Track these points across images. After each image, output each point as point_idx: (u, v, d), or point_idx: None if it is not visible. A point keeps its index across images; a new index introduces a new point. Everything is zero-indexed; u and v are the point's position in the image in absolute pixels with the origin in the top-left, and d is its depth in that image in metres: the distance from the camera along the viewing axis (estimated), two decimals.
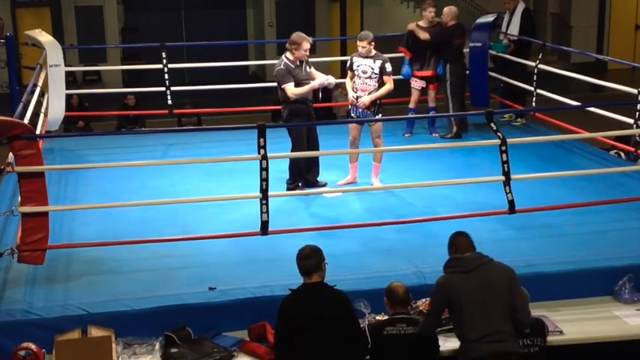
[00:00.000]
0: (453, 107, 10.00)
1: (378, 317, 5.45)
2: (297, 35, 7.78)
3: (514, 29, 10.81)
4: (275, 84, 8.01)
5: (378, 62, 7.83)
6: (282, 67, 7.71)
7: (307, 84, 7.79)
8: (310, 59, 8.05)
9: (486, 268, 4.96)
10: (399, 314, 5.11)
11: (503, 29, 11.04)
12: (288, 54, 7.79)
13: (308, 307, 4.86)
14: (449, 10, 10.07)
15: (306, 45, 7.73)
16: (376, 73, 7.81)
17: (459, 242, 5.12)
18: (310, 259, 4.94)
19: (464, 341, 4.90)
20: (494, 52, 10.97)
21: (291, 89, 7.67)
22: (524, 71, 10.57)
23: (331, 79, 7.86)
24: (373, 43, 7.86)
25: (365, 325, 5.20)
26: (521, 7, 10.97)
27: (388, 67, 7.83)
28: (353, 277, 5.88)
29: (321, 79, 7.83)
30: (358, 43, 7.86)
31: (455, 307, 4.88)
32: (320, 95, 8.22)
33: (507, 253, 5.47)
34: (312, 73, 7.90)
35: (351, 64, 7.96)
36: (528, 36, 10.83)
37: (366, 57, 7.86)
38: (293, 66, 7.74)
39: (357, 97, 7.88)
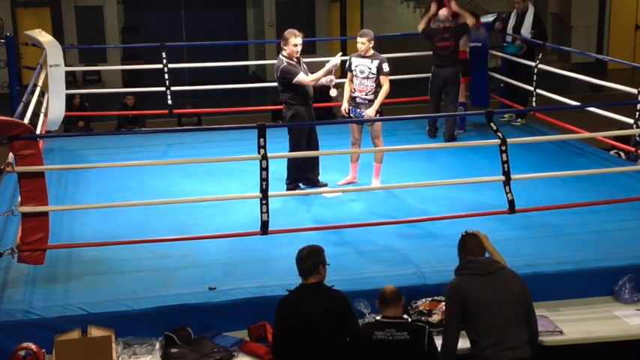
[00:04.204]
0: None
1: (377, 317, 5.45)
2: (287, 32, 7.79)
3: (525, 31, 10.76)
4: (275, 84, 8.01)
5: (376, 62, 7.83)
6: (284, 64, 7.71)
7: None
8: (310, 59, 8.06)
9: (503, 273, 4.91)
10: (390, 318, 5.03)
11: (509, 30, 10.99)
12: (283, 52, 7.79)
13: (303, 308, 4.86)
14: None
15: (294, 40, 7.70)
16: (373, 73, 7.81)
17: (472, 245, 5.02)
18: (307, 262, 4.93)
19: (477, 346, 4.77)
20: (503, 54, 10.97)
21: (305, 78, 7.67)
22: (532, 72, 10.49)
23: (336, 60, 7.84)
24: (372, 42, 7.86)
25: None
26: (531, 9, 10.93)
27: (385, 67, 7.82)
28: (353, 277, 5.88)
29: (332, 61, 7.81)
30: (358, 39, 7.85)
31: (471, 309, 4.76)
32: (318, 95, 8.21)
33: (507, 253, 5.46)
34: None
35: (350, 64, 7.96)
36: (541, 38, 10.81)
37: (364, 57, 7.87)
38: (293, 62, 7.75)
39: (355, 100, 7.87)
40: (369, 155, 8.09)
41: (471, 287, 4.80)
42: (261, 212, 6.23)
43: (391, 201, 7.71)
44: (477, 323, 4.76)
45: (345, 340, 4.86)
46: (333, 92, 8.03)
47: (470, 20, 9.89)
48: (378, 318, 5.39)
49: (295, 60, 7.77)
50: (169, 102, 10.54)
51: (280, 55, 7.81)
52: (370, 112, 7.77)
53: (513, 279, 4.95)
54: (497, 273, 4.89)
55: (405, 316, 5.34)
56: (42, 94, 9.37)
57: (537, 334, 5.04)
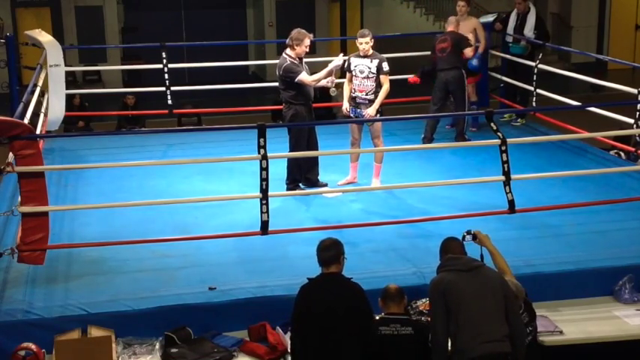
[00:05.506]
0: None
1: (378, 317, 5.45)
2: (298, 32, 7.77)
3: (529, 32, 10.75)
4: (276, 84, 8.01)
5: (375, 62, 7.82)
6: (288, 62, 7.71)
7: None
8: (310, 59, 8.04)
9: (484, 270, 4.96)
10: (393, 314, 5.08)
11: (510, 31, 10.96)
12: (288, 50, 7.78)
13: (323, 295, 4.89)
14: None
15: (307, 41, 7.73)
16: (373, 73, 7.80)
17: (453, 246, 5.11)
18: (330, 251, 4.98)
19: (457, 340, 4.80)
20: (506, 54, 10.96)
21: (307, 78, 7.67)
22: (532, 72, 10.45)
23: (338, 61, 7.81)
24: (372, 41, 7.86)
25: None
26: (533, 10, 10.91)
27: (385, 66, 7.81)
28: (353, 277, 5.84)
29: (334, 62, 7.80)
30: (361, 40, 7.78)
31: (452, 304, 4.80)
32: (318, 95, 8.20)
33: (507, 253, 5.47)
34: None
35: (349, 65, 7.94)
36: (543, 38, 10.80)
37: (364, 57, 7.85)
38: (296, 62, 7.75)
39: (355, 100, 7.86)
40: (369, 155, 8.09)
41: (452, 282, 4.84)
42: (261, 212, 6.24)
43: (391, 201, 7.71)
44: (457, 317, 4.79)
45: (359, 329, 4.87)
46: (332, 92, 8.05)
47: (469, 50, 9.80)
48: (378, 318, 5.41)
49: (298, 60, 7.77)
50: (169, 102, 10.54)
51: (284, 54, 7.80)
52: (370, 112, 7.76)
53: (494, 275, 4.99)
54: (478, 269, 4.93)
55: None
56: (42, 94, 9.37)
57: (522, 334, 4.99)
